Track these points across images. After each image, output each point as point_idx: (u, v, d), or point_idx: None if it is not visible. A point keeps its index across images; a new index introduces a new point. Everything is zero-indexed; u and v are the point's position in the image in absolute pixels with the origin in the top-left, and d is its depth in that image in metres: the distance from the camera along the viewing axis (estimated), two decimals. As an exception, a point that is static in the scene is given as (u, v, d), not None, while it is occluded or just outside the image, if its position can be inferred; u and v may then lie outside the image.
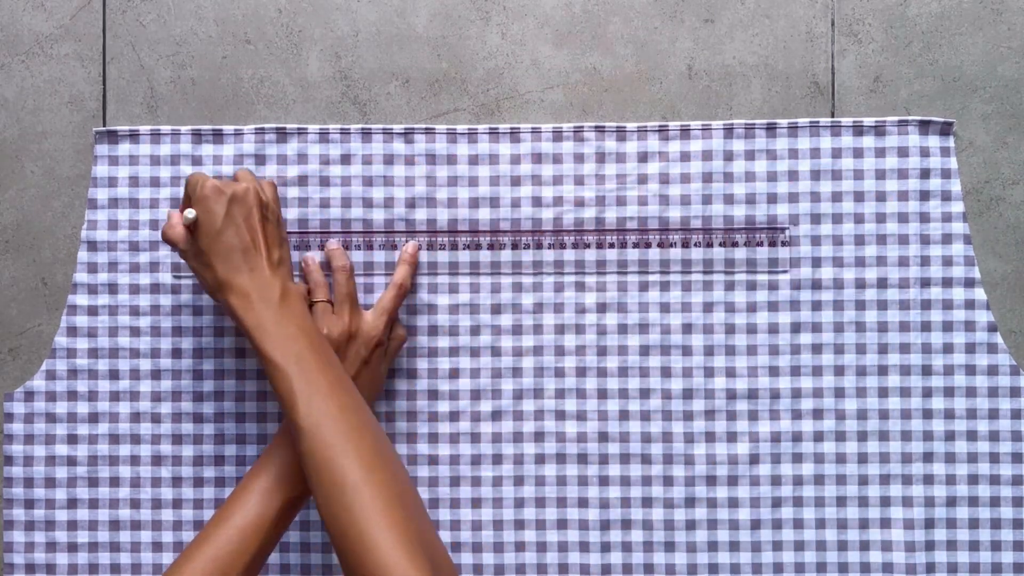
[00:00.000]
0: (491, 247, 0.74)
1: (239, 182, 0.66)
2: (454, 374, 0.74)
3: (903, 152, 0.74)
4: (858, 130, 0.74)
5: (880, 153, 0.74)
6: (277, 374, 0.62)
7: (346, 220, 0.74)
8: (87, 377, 0.74)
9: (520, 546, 0.73)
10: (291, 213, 0.74)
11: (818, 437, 0.73)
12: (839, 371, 0.74)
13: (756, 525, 0.73)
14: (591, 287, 0.74)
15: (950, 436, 0.73)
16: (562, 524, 0.73)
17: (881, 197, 0.74)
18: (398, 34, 0.76)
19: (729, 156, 0.74)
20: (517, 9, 0.76)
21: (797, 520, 0.73)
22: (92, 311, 0.74)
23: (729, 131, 0.74)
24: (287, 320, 0.64)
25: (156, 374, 0.74)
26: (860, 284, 0.74)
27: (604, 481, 0.74)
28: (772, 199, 0.74)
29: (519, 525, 0.74)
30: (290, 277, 0.67)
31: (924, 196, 0.74)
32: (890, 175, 0.74)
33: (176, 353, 0.74)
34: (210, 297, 0.69)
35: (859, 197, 0.74)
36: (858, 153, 0.74)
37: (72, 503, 0.74)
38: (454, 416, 0.74)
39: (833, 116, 0.75)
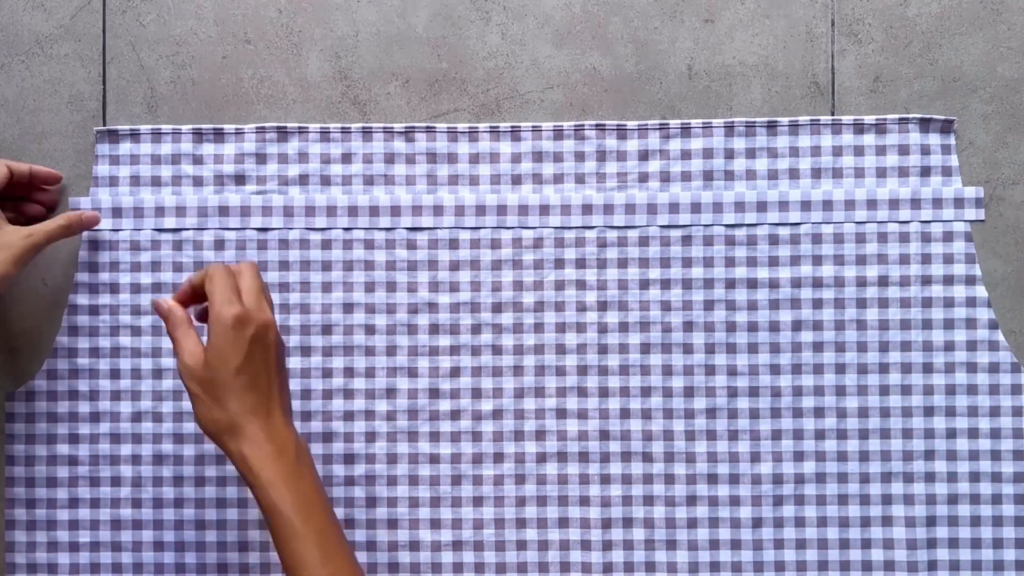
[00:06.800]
0: (492, 246, 0.74)
1: (257, 311, 0.61)
2: (455, 373, 0.74)
3: (904, 150, 0.74)
4: (859, 128, 0.74)
5: (881, 151, 0.74)
6: (294, 537, 0.59)
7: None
8: (88, 376, 0.74)
9: (522, 544, 0.73)
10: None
11: (819, 435, 0.73)
12: (840, 369, 0.74)
13: (758, 523, 0.73)
14: (592, 285, 0.74)
15: (951, 433, 0.73)
16: (563, 522, 0.73)
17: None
18: (398, 34, 0.76)
19: (730, 154, 0.74)
20: (517, 9, 0.76)
21: (799, 518, 0.73)
22: (93, 310, 0.74)
23: (730, 129, 0.74)
24: (305, 481, 0.61)
25: (157, 373, 0.74)
26: (861, 282, 0.74)
27: (605, 479, 0.74)
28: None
29: (520, 523, 0.73)
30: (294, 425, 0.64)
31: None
32: (891, 173, 0.74)
33: (177, 352, 0.74)
34: (207, 436, 0.61)
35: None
36: (859, 151, 0.74)
37: (74, 502, 0.74)
38: (455, 415, 0.74)
39: (833, 116, 0.75)
